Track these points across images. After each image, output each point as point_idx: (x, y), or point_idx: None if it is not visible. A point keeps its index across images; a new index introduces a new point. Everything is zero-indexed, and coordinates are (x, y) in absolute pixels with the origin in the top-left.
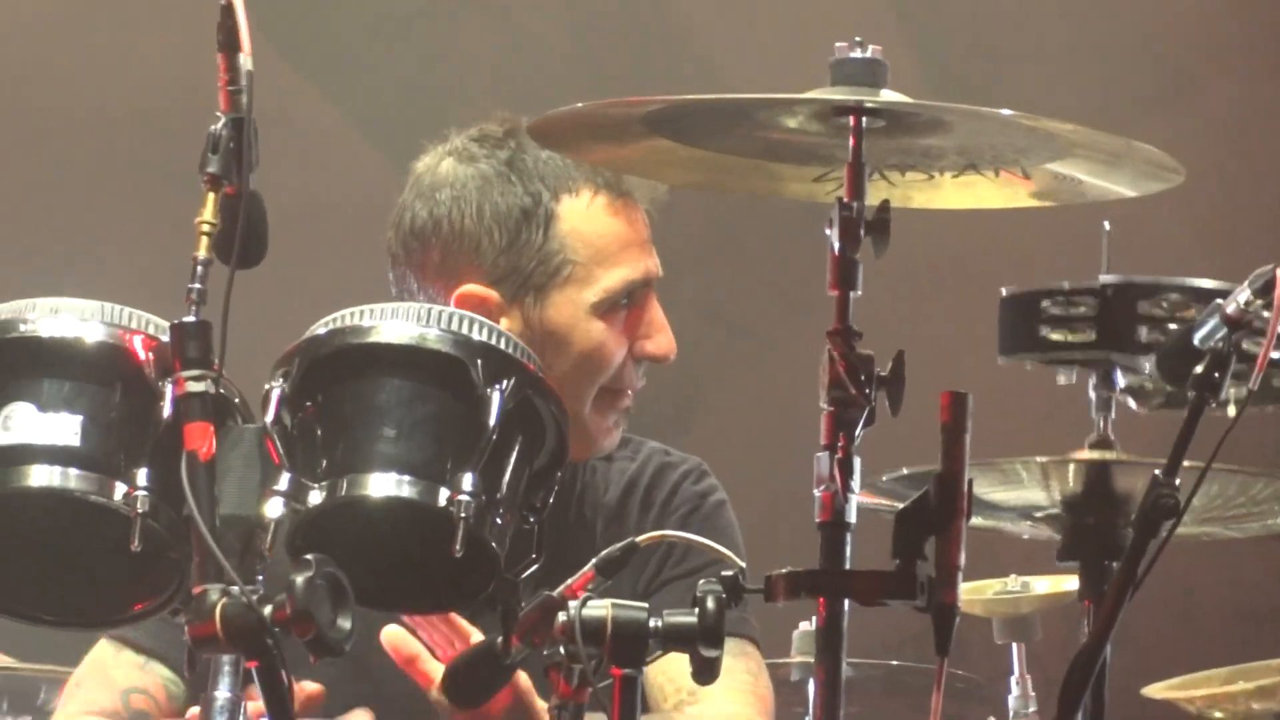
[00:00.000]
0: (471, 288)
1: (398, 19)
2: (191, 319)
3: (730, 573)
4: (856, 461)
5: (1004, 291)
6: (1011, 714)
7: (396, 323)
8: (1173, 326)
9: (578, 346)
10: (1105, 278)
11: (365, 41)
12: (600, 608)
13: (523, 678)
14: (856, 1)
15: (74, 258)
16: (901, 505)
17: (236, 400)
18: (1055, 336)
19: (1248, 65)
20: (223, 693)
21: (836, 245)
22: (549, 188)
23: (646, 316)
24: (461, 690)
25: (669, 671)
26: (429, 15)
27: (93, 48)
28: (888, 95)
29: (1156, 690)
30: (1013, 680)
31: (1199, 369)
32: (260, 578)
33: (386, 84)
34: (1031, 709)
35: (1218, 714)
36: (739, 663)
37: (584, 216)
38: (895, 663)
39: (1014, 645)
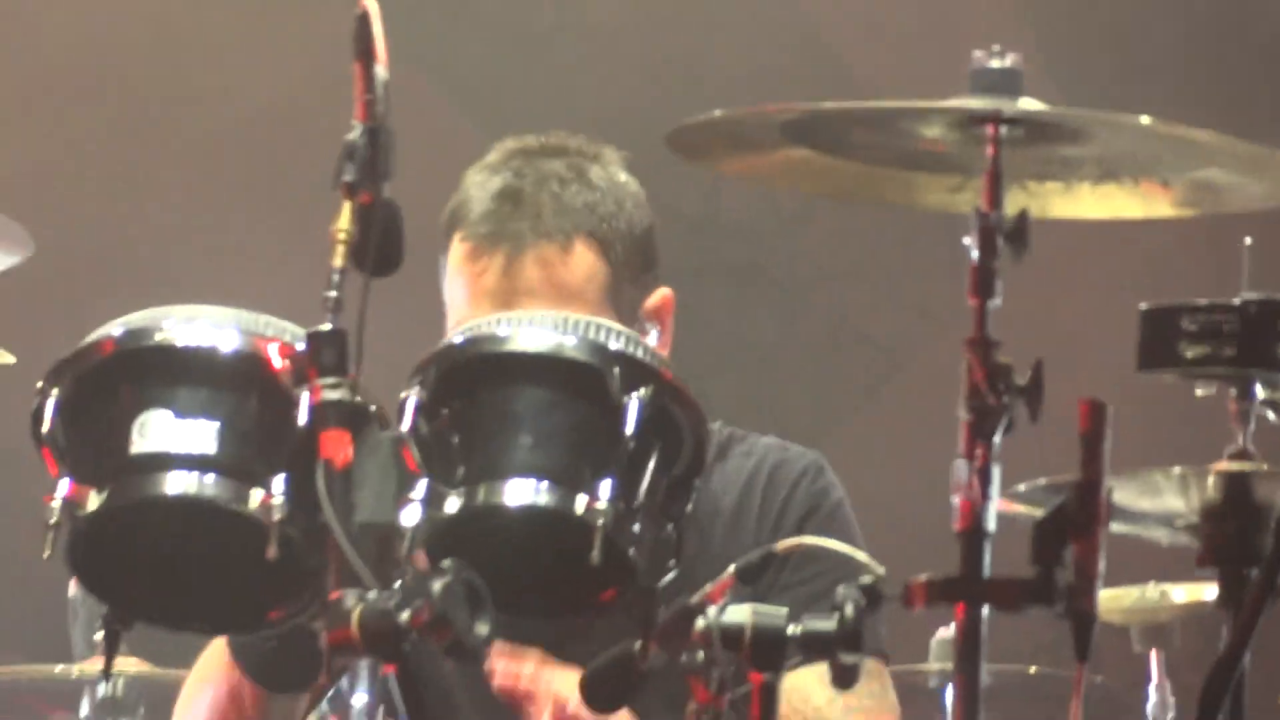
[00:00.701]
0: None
1: (534, 34)
2: (328, 326)
3: (868, 579)
4: (995, 470)
5: (1143, 306)
6: None
7: (533, 331)
8: None
9: None
10: (1247, 294)
11: (502, 56)
12: (739, 613)
13: None
14: (990, 9)
15: (211, 266)
16: (1040, 514)
17: (373, 408)
18: (1194, 353)
19: None
20: (360, 698)
21: (975, 254)
22: (452, 222)
23: None
24: (597, 695)
25: (799, 688)
26: (565, 30)
27: (231, 56)
28: (1026, 104)
29: None
30: (1151, 688)
31: None
32: (396, 585)
33: (522, 98)
34: (1170, 717)
35: None
36: (863, 684)
37: (449, 261)
38: (1033, 670)
39: (1152, 653)
